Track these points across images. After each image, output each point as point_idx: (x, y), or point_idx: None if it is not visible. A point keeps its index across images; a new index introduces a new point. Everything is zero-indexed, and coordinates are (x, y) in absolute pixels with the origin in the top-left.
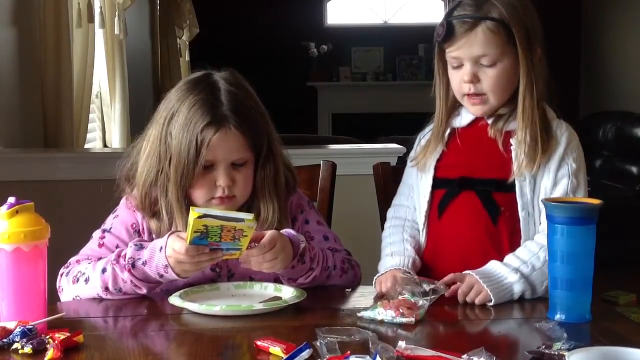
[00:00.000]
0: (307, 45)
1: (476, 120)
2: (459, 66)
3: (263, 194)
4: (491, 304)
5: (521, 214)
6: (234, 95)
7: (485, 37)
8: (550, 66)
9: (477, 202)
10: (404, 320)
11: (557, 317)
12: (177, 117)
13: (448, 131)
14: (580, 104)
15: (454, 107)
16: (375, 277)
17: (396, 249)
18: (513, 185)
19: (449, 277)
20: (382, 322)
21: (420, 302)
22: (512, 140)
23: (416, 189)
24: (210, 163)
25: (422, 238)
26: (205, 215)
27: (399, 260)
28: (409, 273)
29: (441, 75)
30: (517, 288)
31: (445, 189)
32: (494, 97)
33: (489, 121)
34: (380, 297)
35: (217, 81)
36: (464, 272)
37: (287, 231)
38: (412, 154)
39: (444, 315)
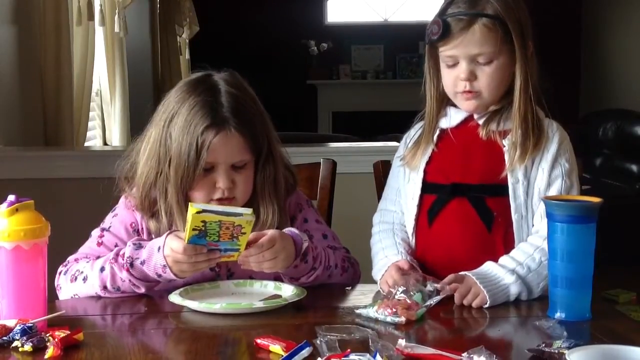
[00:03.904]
0: (307, 43)
1: (466, 121)
2: (454, 64)
3: (263, 196)
4: (487, 306)
5: (514, 216)
6: (234, 96)
7: (482, 35)
8: (550, 65)
9: (470, 210)
10: (396, 319)
11: (557, 315)
12: (177, 119)
13: (437, 132)
14: (581, 102)
15: (442, 106)
16: (379, 280)
17: (390, 252)
18: (505, 189)
19: (448, 279)
20: (377, 320)
21: (422, 303)
22: (504, 141)
23: (403, 192)
24: (210, 165)
25: (412, 243)
26: (204, 211)
27: (396, 259)
28: (413, 266)
29: (432, 73)
30: (514, 290)
31: (435, 194)
32: (489, 94)
33: (480, 122)
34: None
35: (217, 82)
36: (461, 273)
37: (291, 230)
38: (398, 154)
39: (444, 313)
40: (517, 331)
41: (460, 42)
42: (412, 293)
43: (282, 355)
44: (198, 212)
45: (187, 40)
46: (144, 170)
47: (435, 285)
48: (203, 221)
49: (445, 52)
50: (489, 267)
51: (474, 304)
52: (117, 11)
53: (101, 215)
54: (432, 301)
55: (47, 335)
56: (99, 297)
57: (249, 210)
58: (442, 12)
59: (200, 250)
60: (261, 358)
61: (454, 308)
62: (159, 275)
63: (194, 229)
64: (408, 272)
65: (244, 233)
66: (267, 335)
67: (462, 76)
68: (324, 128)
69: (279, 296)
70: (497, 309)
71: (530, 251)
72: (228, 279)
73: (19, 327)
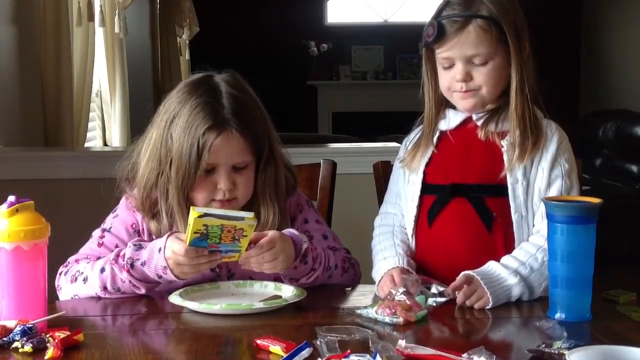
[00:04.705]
0: (307, 44)
1: (464, 123)
2: (450, 66)
3: (264, 197)
4: (489, 307)
5: (514, 216)
6: (236, 97)
7: (477, 36)
8: (550, 65)
9: (470, 210)
10: (394, 320)
11: (557, 316)
12: (178, 120)
13: (437, 135)
14: (580, 102)
15: (441, 109)
16: (376, 285)
17: (389, 254)
18: (505, 189)
19: (459, 280)
20: (377, 321)
21: (424, 304)
22: (503, 142)
23: (403, 194)
24: (211, 166)
25: (412, 245)
26: (205, 215)
27: (393, 261)
28: (408, 271)
29: (430, 77)
30: (516, 291)
31: (435, 195)
32: (487, 91)
33: (479, 123)
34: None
35: (218, 83)
36: (467, 272)
37: (290, 231)
38: (399, 157)
39: (444, 314)
40: (517, 332)
41: (455, 43)
42: (415, 295)
43: (282, 356)
44: (200, 216)
45: (187, 41)
46: (145, 171)
47: (440, 288)
48: (205, 225)
49: (441, 54)
50: (492, 267)
51: (476, 306)
52: (117, 12)
53: (101, 216)
54: (434, 303)
55: (47, 336)
56: (99, 298)
57: (250, 214)
58: (437, 15)
59: (201, 252)
60: (261, 359)
61: (455, 309)
62: (160, 277)
63: (195, 232)
64: (403, 277)
65: (245, 235)
66: (267, 336)
67: (458, 77)
68: (324, 128)
69: (279, 297)
70: (498, 309)
71: (533, 251)
72: (228, 279)
73: (19, 328)
